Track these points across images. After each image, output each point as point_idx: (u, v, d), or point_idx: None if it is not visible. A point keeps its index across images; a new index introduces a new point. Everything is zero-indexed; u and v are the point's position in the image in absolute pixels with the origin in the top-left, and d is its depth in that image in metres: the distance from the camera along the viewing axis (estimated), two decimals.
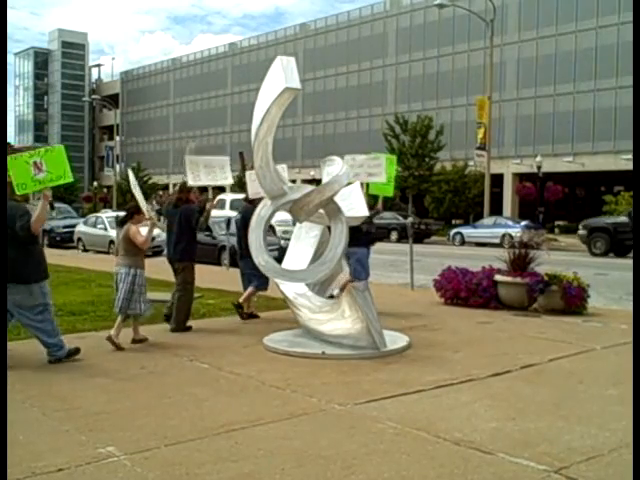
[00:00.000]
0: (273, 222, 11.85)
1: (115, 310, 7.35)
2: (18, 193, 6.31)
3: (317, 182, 8.88)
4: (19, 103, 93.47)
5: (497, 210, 38.68)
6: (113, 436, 4.34)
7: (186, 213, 8.23)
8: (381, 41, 53.83)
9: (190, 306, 8.31)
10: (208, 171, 8.53)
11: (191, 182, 8.52)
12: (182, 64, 73.07)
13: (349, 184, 7.69)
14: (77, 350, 6.61)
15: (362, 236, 8.84)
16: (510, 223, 30.42)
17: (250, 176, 8.64)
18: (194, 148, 47.84)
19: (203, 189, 8.83)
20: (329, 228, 7.52)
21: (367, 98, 53.83)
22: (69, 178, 6.41)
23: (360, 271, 8.94)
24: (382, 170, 8.86)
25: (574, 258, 20.50)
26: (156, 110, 75.35)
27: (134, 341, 7.37)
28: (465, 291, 9.97)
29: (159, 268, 15.63)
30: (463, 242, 30.44)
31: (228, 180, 8.74)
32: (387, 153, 40.76)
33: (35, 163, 6.23)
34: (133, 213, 7.45)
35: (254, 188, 8.38)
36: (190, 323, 8.32)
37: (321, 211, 7.32)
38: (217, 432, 4.42)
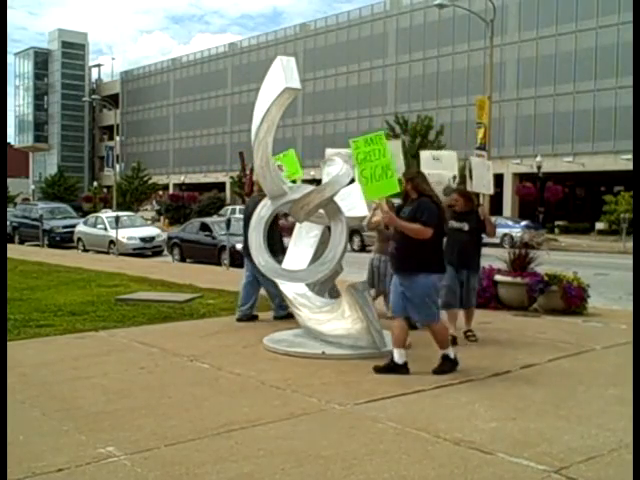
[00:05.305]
0: None
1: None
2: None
3: (317, 182, 8.84)
4: (19, 103, 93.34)
5: (497, 210, 38.63)
6: (113, 436, 4.34)
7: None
8: (381, 41, 53.86)
9: None
10: (436, 163, 8.58)
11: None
12: (182, 64, 73.07)
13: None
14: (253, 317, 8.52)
15: None
16: (510, 223, 30.38)
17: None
18: None
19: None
20: (329, 228, 7.51)
21: (367, 98, 53.85)
22: (299, 174, 8.27)
23: None
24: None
25: (574, 258, 20.51)
26: (156, 110, 75.35)
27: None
28: None
29: (159, 269, 15.66)
30: None
31: (454, 171, 8.50)
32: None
33: (279, 166, 7.71)
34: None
35: None
36: (189, 323, 8.42)
37: (321, 211, 7.32)
38: (217, 432, 4.42)
